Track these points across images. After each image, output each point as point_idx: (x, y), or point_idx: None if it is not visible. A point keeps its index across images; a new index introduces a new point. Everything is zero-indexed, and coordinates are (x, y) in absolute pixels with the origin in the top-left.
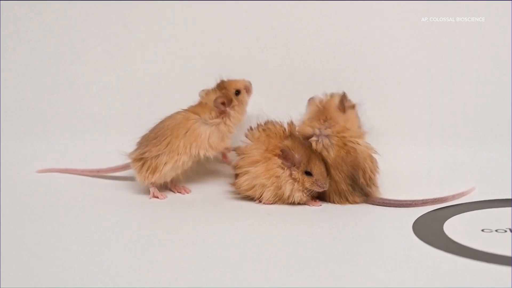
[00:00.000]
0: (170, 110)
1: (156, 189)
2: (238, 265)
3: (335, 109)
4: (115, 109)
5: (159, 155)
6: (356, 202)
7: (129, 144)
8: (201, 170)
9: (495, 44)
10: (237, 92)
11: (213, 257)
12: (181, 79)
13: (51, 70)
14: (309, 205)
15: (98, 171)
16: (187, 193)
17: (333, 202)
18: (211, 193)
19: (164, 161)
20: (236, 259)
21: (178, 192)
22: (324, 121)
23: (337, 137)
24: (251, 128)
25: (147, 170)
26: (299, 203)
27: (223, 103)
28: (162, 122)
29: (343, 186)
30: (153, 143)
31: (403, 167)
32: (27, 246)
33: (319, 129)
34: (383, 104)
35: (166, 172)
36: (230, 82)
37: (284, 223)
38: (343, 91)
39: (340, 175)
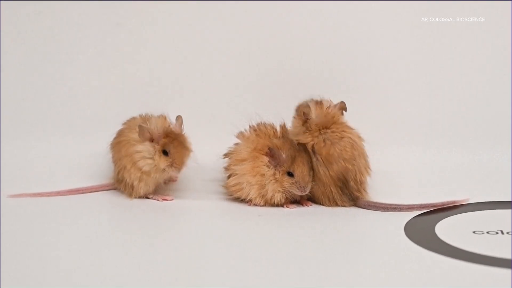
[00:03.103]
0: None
1: (156, 194)
2: (229, 266)
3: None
4: (113, 109)
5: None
6: (344, 206)
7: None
8: (190, 172)
9: (495, 44)
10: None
11: (203, 259)
12: (178, 79)
13: (49, 70)
14: (286, 207)
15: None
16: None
17: (323, 204)
18: (202, 195)
19: (136, 179)
20: (226, 261)
21: (173, 181)
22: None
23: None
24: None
25: (128, 189)
26: (278, 205)
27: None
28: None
29: (332, 187)
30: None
31: (398, 169)
32: (25, 246)
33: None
34: (382, 104)
35: (143, 186)
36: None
37: (275, 225)
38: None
39: (328, 174)
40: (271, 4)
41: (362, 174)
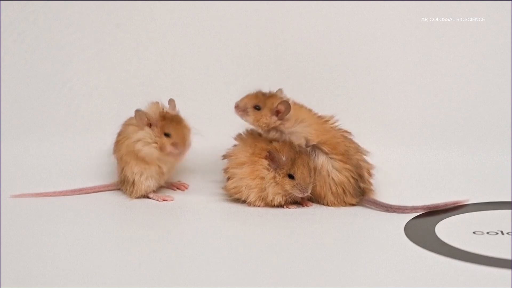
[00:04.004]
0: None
1: (157, 194)
2: (230, 267)
3: None
4: (114, 109)
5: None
6: (350, 203)
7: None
8: (191, 173)
9: (495, 44)
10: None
11: (204, 259)
12: (178, 79)
13: (51, 70)
14: (286, 208)
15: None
16: (186, 188)
17: (327, 204)
18: (202, 196)
19: (137, 173)
20: (227, 261)
21: (177, 189)
22: None
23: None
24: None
25: (130, 187)
26: (278, 206)
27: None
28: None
29: (350, 179)
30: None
31: (398, 169)
32: (27, 246)
33: None
34: (382, 104)
35: (144, 181)
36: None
37: (275, 226)
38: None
39: (347, 167)
40: (272, 5)
41: (370, 165)
